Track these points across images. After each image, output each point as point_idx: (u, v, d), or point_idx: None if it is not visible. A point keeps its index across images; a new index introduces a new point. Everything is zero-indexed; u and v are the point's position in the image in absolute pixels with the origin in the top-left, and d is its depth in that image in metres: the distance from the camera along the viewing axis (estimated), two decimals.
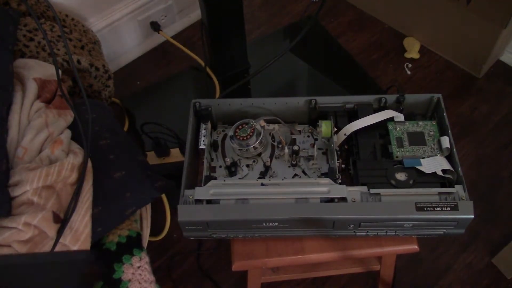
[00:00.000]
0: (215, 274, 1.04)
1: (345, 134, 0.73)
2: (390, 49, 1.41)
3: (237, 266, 0.73)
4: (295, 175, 0.74)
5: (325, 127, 0.75)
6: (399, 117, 0.74)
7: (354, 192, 0.66)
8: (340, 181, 0.69)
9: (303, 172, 0.75)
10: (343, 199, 0.65)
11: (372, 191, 0.65)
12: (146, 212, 0.83)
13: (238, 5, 1.14)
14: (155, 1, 1.34)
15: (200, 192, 0.66)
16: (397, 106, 0.76)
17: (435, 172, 0.67)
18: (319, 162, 0.75)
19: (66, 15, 1.09)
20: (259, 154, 0.76)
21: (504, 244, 1.02)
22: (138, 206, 0.74)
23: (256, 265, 0.74)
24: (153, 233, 1.08)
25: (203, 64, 1.32)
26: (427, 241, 1.06)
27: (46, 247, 0.65)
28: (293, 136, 0.79)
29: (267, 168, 0.75)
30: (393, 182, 0.67)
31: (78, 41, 1.06)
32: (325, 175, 0.74)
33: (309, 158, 0.76)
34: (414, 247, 0.74)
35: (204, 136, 0.75)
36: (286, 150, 0.75)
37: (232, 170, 0.74)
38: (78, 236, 0.67)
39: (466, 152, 1.20)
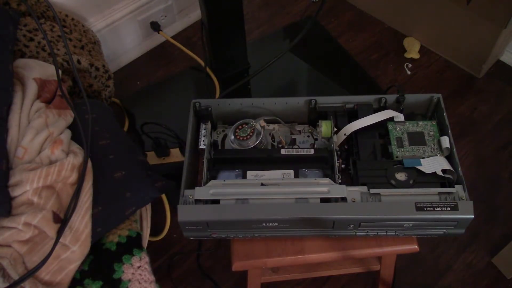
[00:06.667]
0: (215, 274, 1.04)
1: (345, 134, 0.73)
2: (390, 49, 1.41)
3: (237, 266, 0.73)
4: None
5: (325, 127, 0.75)
6: (399, 117, 0.74)
7: (354, 192, 0.66)
8: (340, 181, 0.69)
9: None
10: (343, 199, 0.65)
11: (372, 191, 0.65)
12: (146, 212, 0.83)
13: (238, 5, 1.14)
14: (155, 1, 1.34)
15: (200, 192, 0.66)
16: (397, 106, 0.76)
17: (435, 172, 0.67)
18: None
19: (66, 15, 1.09)
20: None
21: (504, 244, 1.02)
22: (138, 206, 0.74)
23: (256, 265, 0.74)
24: (153, 233, 1.08)
25: (203, 64, 1.32)
26: (427, 241, 1.06)
27: (46, 247, 0.65)
28: (293, 136, 0.79)
29: None
30: (393, 182, 0.67)
31: (78, 41, 1.06)
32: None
33: None
34: (414, 247, 0.74)
35: (204, 136, 0.75)
36: None
37: None
38: (78, 236, 0.67)
39: (466, 152, 1.20)
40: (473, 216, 0.63)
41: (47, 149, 0.71)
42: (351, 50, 1.40)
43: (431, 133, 0.72)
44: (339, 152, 0.73)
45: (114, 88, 1.12)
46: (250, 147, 0.74)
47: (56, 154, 0.71)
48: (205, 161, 0.72)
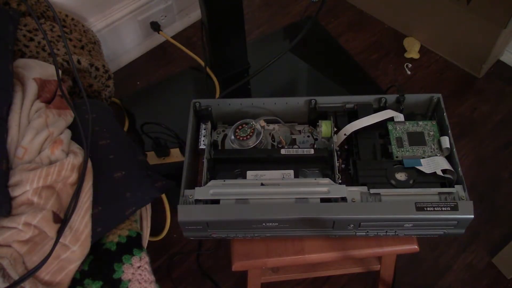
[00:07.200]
0: (215, 274, 1.04)
1: (345, 134, 0.73)
2: (390, 49, 1.41)
3: (237, 266, 0.73)
4: None
5: (325, 127, 0.75)
6: (399, 117, 0.74)
7: (354, 192, 0.66)
8: (340, 181, 0.69)
9: None
10: (343, 199, 0.65)
11: (372, 191, 0.65)
12: (146, 212, 0.83)
13: (238, 5, 1.14)
14: (155, 1, 1.34)
15: (200, 192, 0.66)
16: (397, 106, 0.76)
17: (435, 172, 0.67)
18: None
19: (66, 15, 1.09)
20: None
21: (504, 244, 1.02)
22: (138, 206, 0.74)
23: (256, 265, 0.74)
24: (153, 233, 1.08)
25: (203, 64, 1.32)
26: (427, 241, 1.06)
27: (46, 247, 0.65)
28: (293, 136, 0.79)
29: None
30: (393, 182, 0.67)
31: (78, 41, 1.06)
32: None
33: None
34: (414, 247, 0.74)
35: (204, 136, 0.75)
36: None
37: None
38: (78, 236, 0.67)
39: (466, 152, 1.20)
40: (473, 216, 0.63)
41: (47, 149, 0.71)
42: (351, 50, 1.40)
43: (431, 133, 0.72)
44: (339, 152, 0.73)
45: (114, 88, 1.12)
46: (250, 147, 0.74)
47: (56, 154, 0.71)
48: (205, 161, 0.72)
